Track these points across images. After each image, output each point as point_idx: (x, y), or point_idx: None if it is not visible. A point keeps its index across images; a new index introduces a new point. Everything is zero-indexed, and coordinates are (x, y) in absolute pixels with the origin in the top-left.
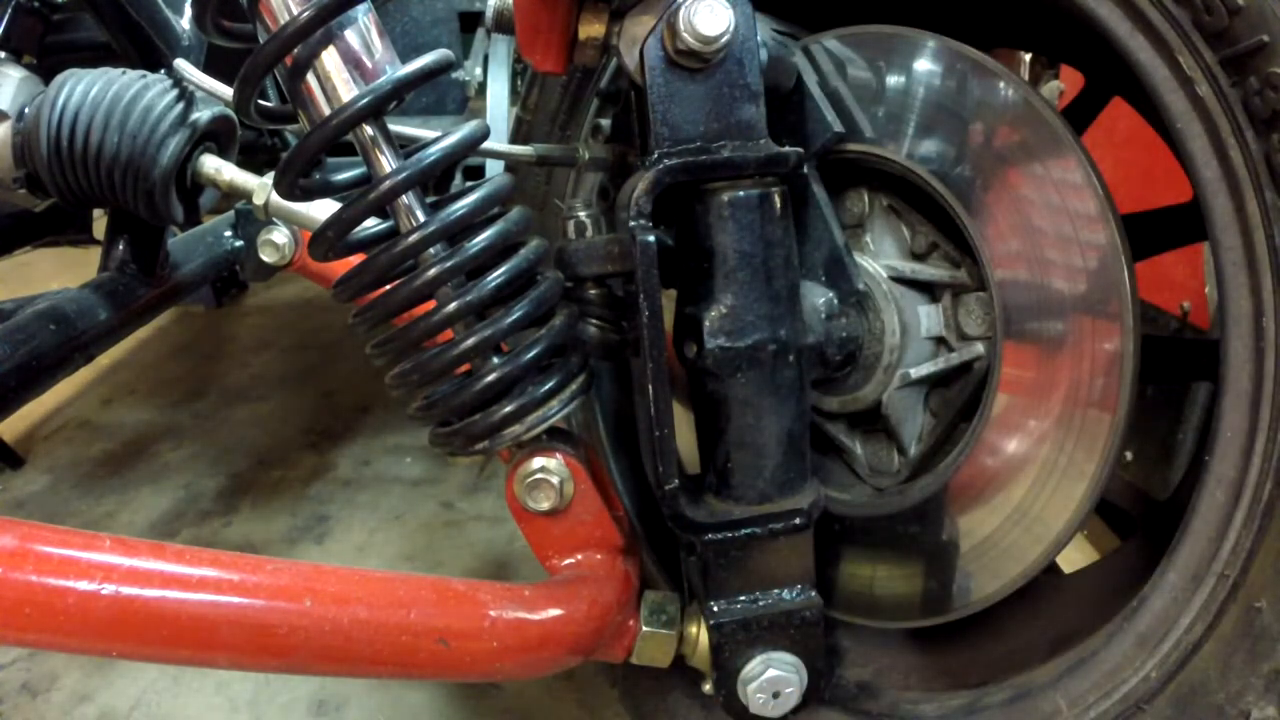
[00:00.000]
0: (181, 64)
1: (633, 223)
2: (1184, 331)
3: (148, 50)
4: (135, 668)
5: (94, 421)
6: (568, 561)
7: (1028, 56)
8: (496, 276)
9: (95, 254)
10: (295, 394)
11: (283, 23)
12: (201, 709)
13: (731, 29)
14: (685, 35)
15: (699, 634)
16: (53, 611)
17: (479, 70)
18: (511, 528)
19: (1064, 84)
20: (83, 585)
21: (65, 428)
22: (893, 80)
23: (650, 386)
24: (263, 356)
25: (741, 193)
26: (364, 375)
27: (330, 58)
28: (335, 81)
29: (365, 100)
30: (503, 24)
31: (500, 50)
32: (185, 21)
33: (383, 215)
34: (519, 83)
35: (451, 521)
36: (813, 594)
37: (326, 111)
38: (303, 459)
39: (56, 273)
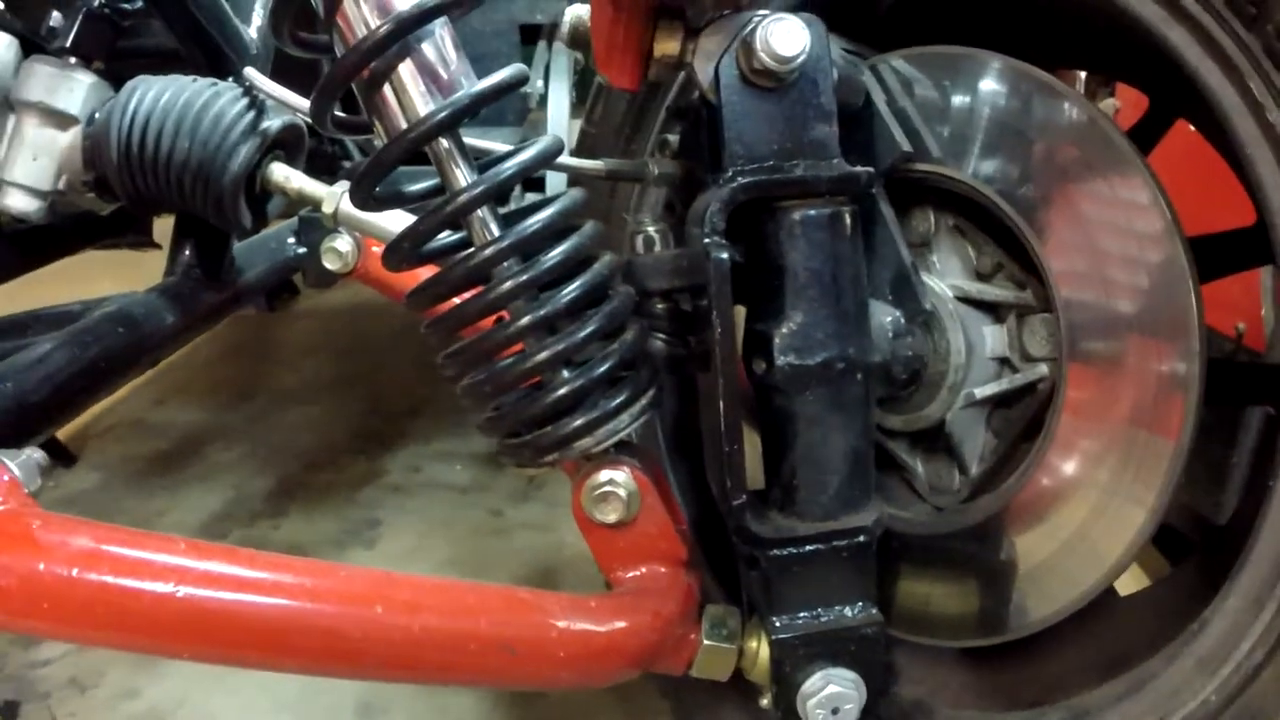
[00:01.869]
0: (251, 73)
1: (707, 240)
2: (1238, 354)
3: (216, 57)
4: (181, 664)
5: (146, 421)
6: (631, 574)
7: (1083, 74)
8: (570, 291)
9: (146, 254)
10: (345, 398)
11: (360, 36)
12: (246, 708)
13: (807, 49)
14: (762, 54)
15: (759, 648)
16: (126, 612)
17: (540, 82)
18: (559, 536)
19: (1119, 102)
20: (157, 587)
21: (117, 426)
22: (958, 100)
23: (722, 403)
24: (313, 360)
25: (813, 211)
26: (413, 381)
27: (407, 70)
28: (411, 94)
29: (443, 114)
30: (578, 40)
31: (561, 62)
32: (253, 30)
33: (455, 227)
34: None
35: (499, 529)
36: (874, 611)
37: (402, 123)
38: (352, 463)
39: (106, 270)
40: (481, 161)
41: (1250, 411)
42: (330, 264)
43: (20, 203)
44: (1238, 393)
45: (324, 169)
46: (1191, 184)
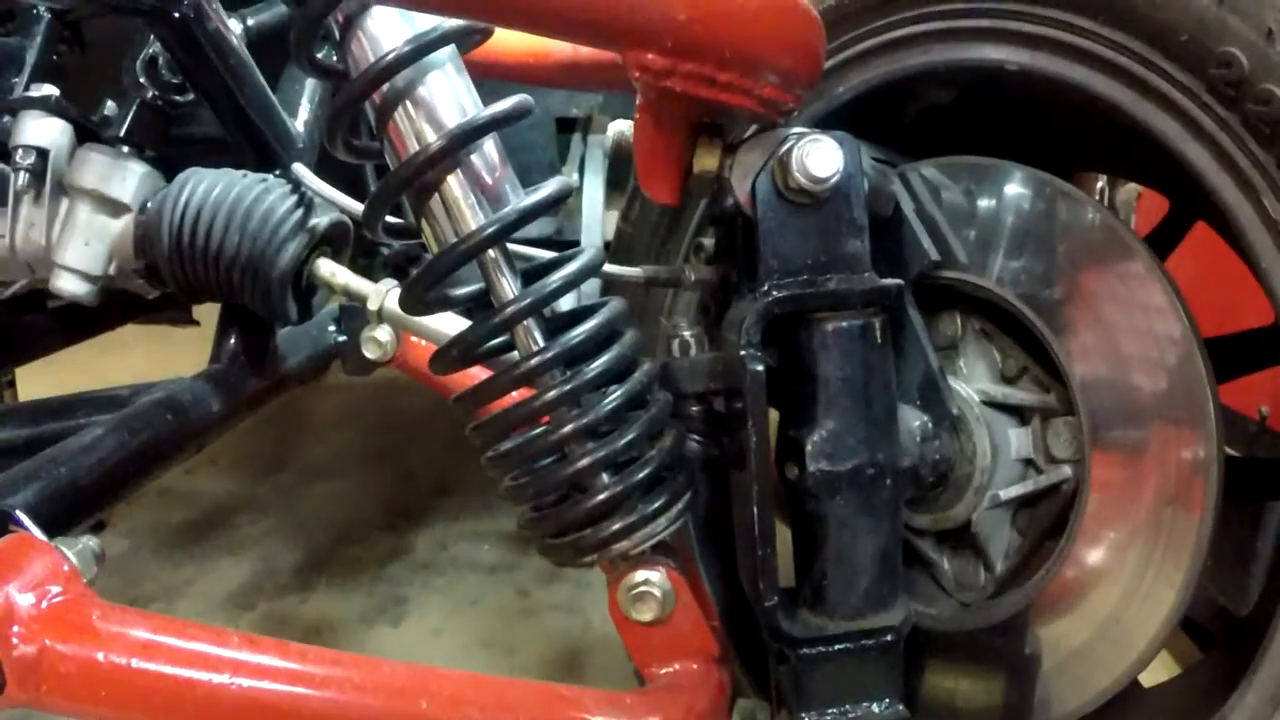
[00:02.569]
0: (300, 169)
1: (743, 351)
2: (1262, 437)
3: (263, 149)
4: None
5: (175, 489)
6: (665, 669)
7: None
8: (612, 400)
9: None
10: (374, 473)
11: (411, 147)
12: None
13: (840, 169)
14: (797, 175)
15: None
16: (183, 702)
17: (575, 174)
18: (585, 618)
19: (1140, 187)
20: (213, 678)
21: (146, 494)
22: (983, 208)
23: (756, 508)
24: (343, 434)
25: (845, 323)
26: (442, 457)
27: (456, 181)
28: (461, 205)
29: (491, 229)
30: (621, 154)
31: (596, 154)
32: (300, 123)
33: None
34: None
35: (527, 609)
36: (900, 707)
37: (450, 233)
38: (380, 539)
39: (138, 338)
40: (526, 268)
41: (1273, 505)
42: (370, 353)
43: (71, 286)
44: (1260, 488)
45: (360, 251)
46: (1214, 278)
